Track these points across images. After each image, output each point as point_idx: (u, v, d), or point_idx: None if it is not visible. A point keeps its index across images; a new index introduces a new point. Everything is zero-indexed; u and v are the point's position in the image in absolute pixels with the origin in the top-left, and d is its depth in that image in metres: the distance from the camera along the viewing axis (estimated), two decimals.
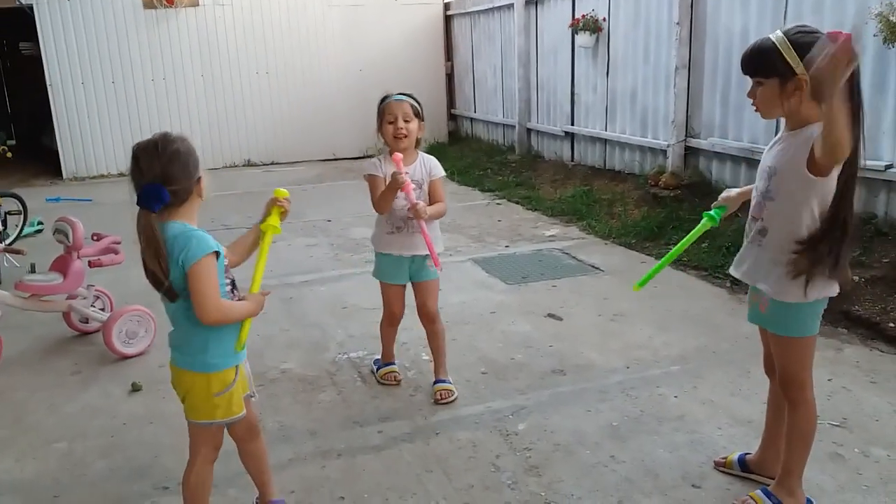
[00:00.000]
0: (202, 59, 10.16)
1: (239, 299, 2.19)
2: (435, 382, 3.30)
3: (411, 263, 3.22)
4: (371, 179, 3.15)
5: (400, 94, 3.16)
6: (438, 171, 3.23)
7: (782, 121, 2.26)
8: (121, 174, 9.72)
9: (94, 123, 9.79)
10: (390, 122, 3.09)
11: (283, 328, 4.20)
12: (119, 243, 4.02)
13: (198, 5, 9.94)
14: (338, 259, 5.61)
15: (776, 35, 2.12)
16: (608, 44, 7.44)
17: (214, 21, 10.11)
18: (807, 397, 2.31)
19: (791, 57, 2.07)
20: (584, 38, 7.58)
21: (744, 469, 2.60)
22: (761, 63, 2.14)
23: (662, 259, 2.52)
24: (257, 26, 10.32)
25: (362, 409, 3.21)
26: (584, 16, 7.56)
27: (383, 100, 3.17)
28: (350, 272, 5.24)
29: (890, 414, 2.99)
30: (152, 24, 9.86)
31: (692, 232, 2.50)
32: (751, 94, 2.22)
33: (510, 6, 9.30)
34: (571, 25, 7.78)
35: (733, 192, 2.53)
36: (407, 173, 2.98)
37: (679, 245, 2.51)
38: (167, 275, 2.00)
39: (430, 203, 3.14)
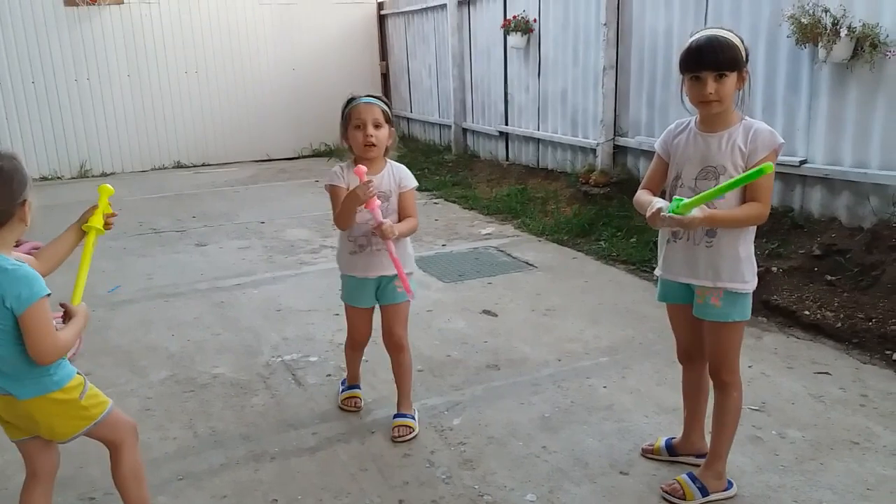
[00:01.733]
0: (128, 58, 9.84)
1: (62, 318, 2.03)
2: (395, 416, 2.99)
3: (377, 285, 2.90)
4: (332, 190, 2.80)
5: (368, 95, 2.79)
6: (409, 181, 2.87)
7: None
8: (43, 178, 9.38)
9: (14, 124, 9.37)
10: (358, 128, 2.74)
11: (215, 332, 4.12)
12: (39, 249, 3.86)
13: (122, 3, 9.63)
14: (271, 261, 5.54)
15: (721, 31, 2.24)
16: (539, 45, 7.56)
17: (140, 19, 9.81)
18: (738, 380, 2.44)
19: (742, 50, 2.23)
20: (515, 39, 7.69)
21: (671, 453, 2.70)
22: (730, 55, 2.21)
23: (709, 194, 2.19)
24: (185, 24, 10.06)
25: (297, 412, 3.18)
26: (515, 17, 7.66)
27: (349, 102, 2.80)
28: (284, 274, 5.19)
29: (805, 397, 3.15)
30: (74, 23, 9.51)
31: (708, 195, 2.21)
32: (710, 90, 2.21)
33: (443, 6, 9.35)
34: (503, 26, 7.88)
35: (652, 207, 2.29)
36: (371, 181, 2.61)
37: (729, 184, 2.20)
38: None
39: (400, 218, 2.82)
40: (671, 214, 2.18)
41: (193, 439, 2.98)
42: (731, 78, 2.22)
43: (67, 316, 2.04)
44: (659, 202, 2.27)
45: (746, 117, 2.31)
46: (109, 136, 9.91)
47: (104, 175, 9.75)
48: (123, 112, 9.92)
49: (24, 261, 1.97)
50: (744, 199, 2.28)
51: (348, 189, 2.73)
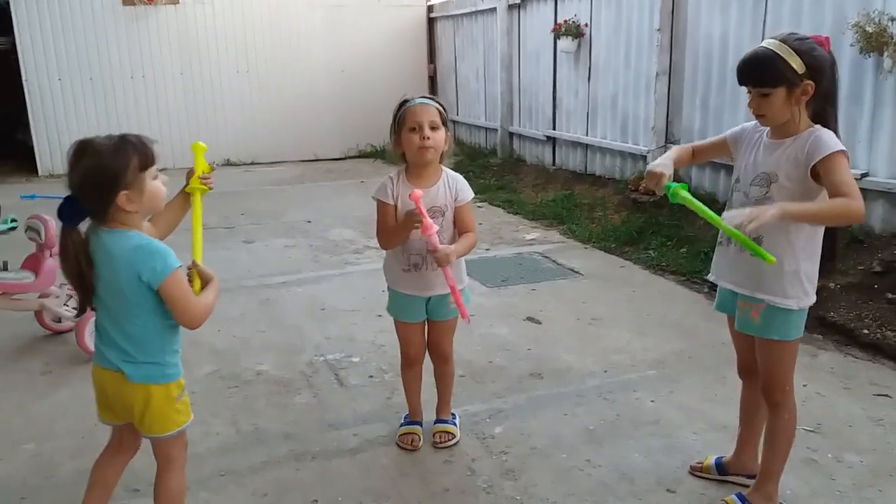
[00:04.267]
0: (182, 56, 10.05)
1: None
2: (436, 422, 2.92)
3: (428, 301, 2.74)
4: (379, 206, 2.63)
5: (423, 97, 2.61)
6: (466, 193, 2.65)
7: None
8: None
9: (71, 120, 9.64)
10: (413, 131, 2.54)
11: (260, 329, 4.15)
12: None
13: (178, 3, 9.84)
14: (316, 260, 5.57)
15: (773, 43, 2.11)
16: (590, 49, 7.47)
17: (195, 19, 10.02)
18: (790, 401, 2.34)
19: (796, 63, 2.07)
20: (566, 43, 7.61)
21: (721, 472, 2.61)
22: (767, 73, 2.11)
23: (707, 214, 2.17)
24: (238, 25, 10.24)
25: (338, 412, 3.18)
26: (566, 21, 7.59)
27: (403, 104, 2.59)
28: (328, 273, 5.21)
29: (863, 420, 3.02)
30: (131, 21, 9.75)
31: (702, 210, 2.19)
32: (752, 105, 2.17)
33: (493, 10, 9.31)
34: (554, 30, 7.80)
35: (659, 167, 2.29)
36: (426, 218, 2.41)
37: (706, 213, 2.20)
38: (89, 296, 1.96)
39: (457, 231, 2.66)
40: (734, 214, 2.05)
41: (236, 436, 2.99)
42: (777, 94, 2.11)
43: (195, 279, 2.06)
44: (667, 169, 2.25)
45: (818, 126, 2.18)
46: (161, 132, 10.07)
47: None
48: (175, 109, 10.13)
49: (141, 229, 2.03)
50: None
51: (397, 205, 2.60)
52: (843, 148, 2.12)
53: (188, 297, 1.96)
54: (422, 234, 2.45)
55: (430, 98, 2.62)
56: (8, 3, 9.17)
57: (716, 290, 2.51)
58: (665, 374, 3.49)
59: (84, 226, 1.96)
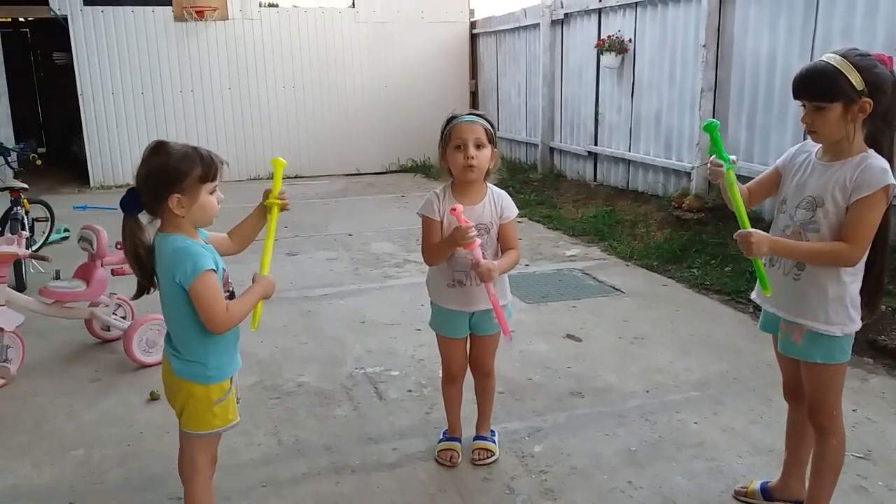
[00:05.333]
0: (230, 71, 10.29)
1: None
2: (475, 438, 2.91)
3: (471, 316, 2.73)
4: (425, 221, 2.62)
5: (471, 113, 2.59)
6: (511, 210, 2.66)
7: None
8: None
9: (122, 133, 9.93)
10: (458, 149, 2.53)
11: (302, 341, 4.20)
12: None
13: (227, 19, 10.09)
14: (357, 273, 5.63)
15: (833, 58, 2.07)
16: (633, 65, 7.43)
17: (243, 34, 10.26)
18: (837, 426, 2.27)
19: (855, 79, 2.03)
20: (609, 59, 7.58)
21: (766, 497, 2.55)
22: (825, 87, 2.06)
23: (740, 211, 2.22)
24: (285, 41, 10.45)
25: (378, 426, 3.19)
26: (609, 36, 7.57)
27: (450, 120, 2.59)
28: (369, 287, 5.25)
29: None
30: (182, 37, 10.02)
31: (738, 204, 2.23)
32: (806, 120, 2.13)
33: (536, 26, 9.33)
34: (597, 46, 7.78)
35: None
36: (472, 228, 2.43)
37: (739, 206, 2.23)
38: (147, 279, 2.10)
39: (500, 249, 2.67)
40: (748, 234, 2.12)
41: (277, 446, 3.03)
42: (832, 110, 2.06)
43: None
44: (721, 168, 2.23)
45: (871, 151, 2.12)
46: (209, 145, 10.09)
47: None
48: (223, 123, 10.37)
49: (217, 240, 2.22)
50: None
51: (442, 221, 2.60)
52: (892, 181, 2.06)
53: (214, 303, 2.02)
54: (465, 248, 2.45)
55: (478, 115, 2.59)
56: (67, 20, 9.51)
57: (760, 310, 2.46)
58: (709, 396, 3.42)
59: (144, 219, 2.10)
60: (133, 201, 2.05)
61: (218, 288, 2.05)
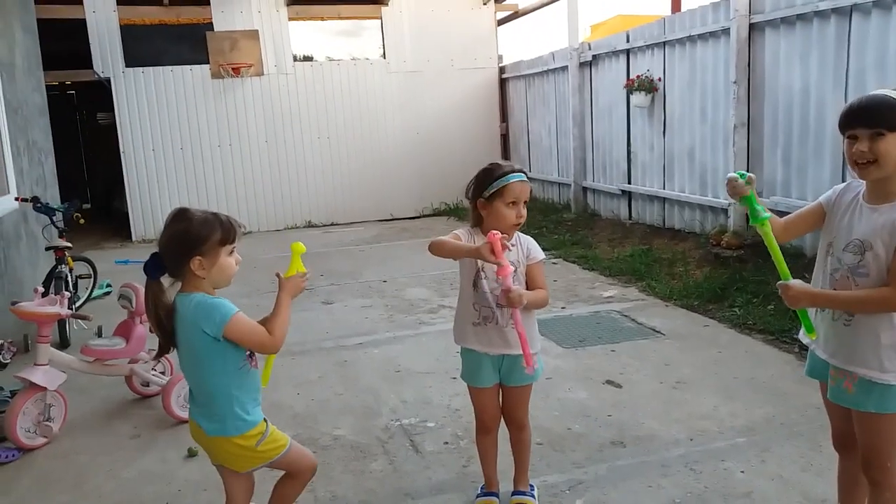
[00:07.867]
0: (266, 125, 10.56)
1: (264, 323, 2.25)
2: (513, 493, 2.87)
3: (501, 362, 2.72)
4: (454, 235, 2.66)
5: (521, 171, 2.67)
6: (538, 253, 2.74)
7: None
8: None
9: (163, 188, 10.21)
10: (512, 205, 2.60)
11: (337, 392, 4.19)
12: None
13: (262, 74, 10.39)
14: (391, 320, 5.62)
15: (889, 90, 2.04)
16: (664, 103, 7.41)
17: (278, 89, 10.54)
18: (892, 478, 2.16)
19: None
20: (639, 98, 7.59)
21: None
22: (886, 113, 2.00)
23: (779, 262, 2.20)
24: (319, 93, 10.71)
25: (414, 480, 3.14)
26: (638, 76, 7.58)
27: (500, 175, 2.61)
28: (403, 334, 5.23)
29: None
30: (219, 93, 10.34)
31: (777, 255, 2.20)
32: (860, 148, 2.03)
33: (564, 68, 9.41)
34: (626, 86, 7.80)
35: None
36: (508, 246, 2.51)
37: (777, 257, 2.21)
38: (167, 340, 2.20)
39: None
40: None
41: (314, 503, 3.00)
42: (892, 139, 2.00)
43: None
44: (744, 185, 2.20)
45: None
46: (248, 197, 10.57)
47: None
48: (261, 175, 10.60)
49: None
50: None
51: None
52: None
53: (255, 334, 2.17)
54: (497, 276, 2.44)
55: (525, 174, 2.68)
56: (110, 82, 9.88)
57: (807, 350, 2.37)
58: (755, 442, 3.30)
59: (166, 282, 2.22)
60: (156, 265, 2.18)
61: (250, 321, 2.17)
